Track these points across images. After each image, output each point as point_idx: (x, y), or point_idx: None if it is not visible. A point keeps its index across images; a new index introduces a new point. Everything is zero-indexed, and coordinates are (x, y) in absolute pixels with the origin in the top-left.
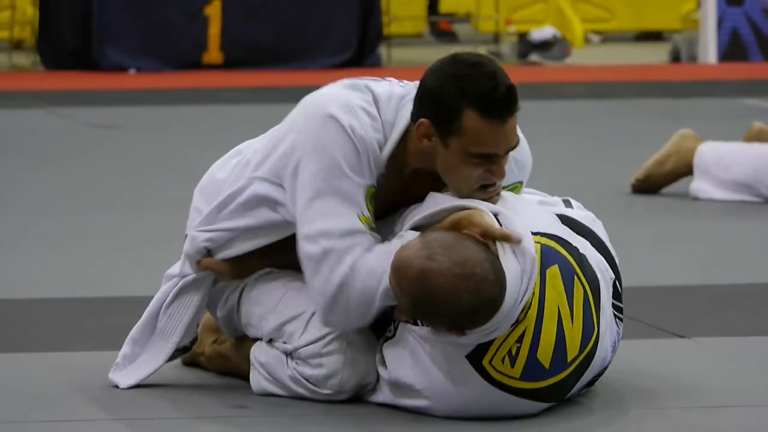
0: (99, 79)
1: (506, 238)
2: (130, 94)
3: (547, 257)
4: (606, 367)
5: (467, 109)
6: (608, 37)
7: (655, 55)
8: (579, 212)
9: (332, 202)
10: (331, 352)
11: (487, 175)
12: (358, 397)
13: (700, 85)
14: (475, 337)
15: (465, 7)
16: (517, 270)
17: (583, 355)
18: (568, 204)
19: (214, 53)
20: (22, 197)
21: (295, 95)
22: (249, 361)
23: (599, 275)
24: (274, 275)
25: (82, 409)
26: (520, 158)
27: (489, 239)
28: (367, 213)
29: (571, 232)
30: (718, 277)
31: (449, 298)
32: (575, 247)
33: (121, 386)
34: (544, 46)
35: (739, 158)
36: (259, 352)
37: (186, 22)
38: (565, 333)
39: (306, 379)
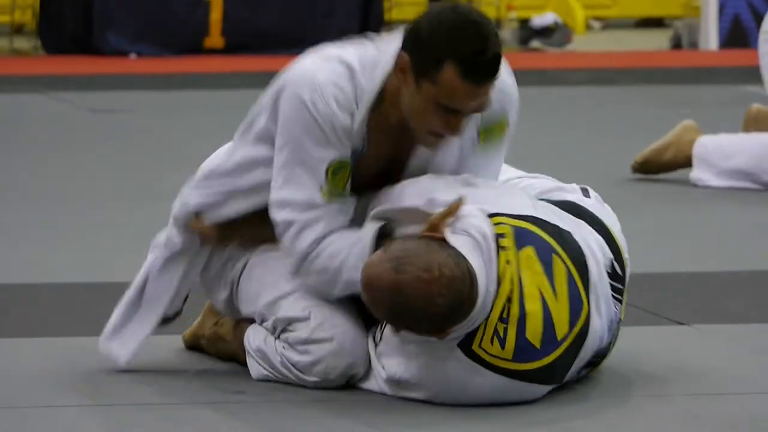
0: (100, 64)
1: (448, 214)
2: (131, 79)
3: (519, 239)
4: (607, 350)
5: (449, 64)
6: (609, 24)
7: (657, 41)
8: (590, 201)
9: (296, 172)
10: (318, 340)
11: (445, 127)
12: (356, 384)
13: (702, 71)
14: (460, 332)
15: None
16: (470, 245)
17: (574, 333)
18: (585, 193)
19: (215, 38)
20: (23, 182)
21: None
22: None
23: (586, 251)
24: (277, 254)
25: (79, 395)
26: (504, 88)
27: (438, 230)
28: (326, 186)
29: (555, 211)
30: (718, 264)
31: (424, 304)
32: (554, 224)
33: (121, 361)
34: (546, 32)
35: (740, 147)
36: (252, 338)
37: (187, 6)
38: (551, 311)
39: (293, 365)
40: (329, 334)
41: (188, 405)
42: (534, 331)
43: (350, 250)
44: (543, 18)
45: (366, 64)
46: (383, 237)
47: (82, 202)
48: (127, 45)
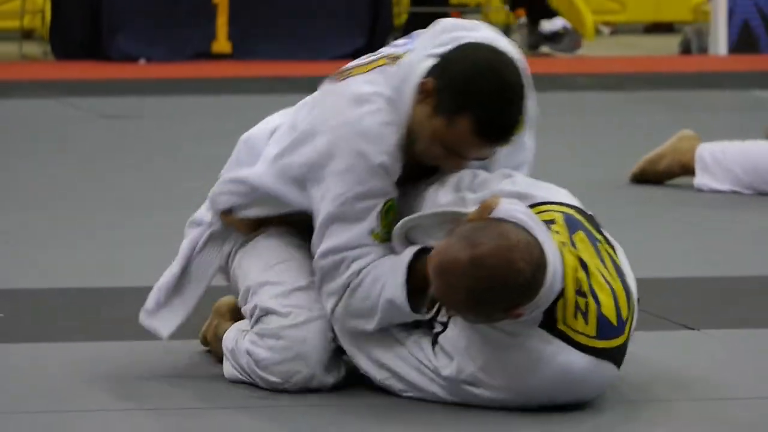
0: (109, 69)
1: (486, 209)
2: (140, 84)
3: (570, 224)
4: None
5: (467, 116)
6: (619, 29)
7: (666, 46)
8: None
9: (347, 224)
10: (287, 337)
11: (445, 164)
12: (384, 389)
13: (711, 76)
14: (532, 310)
15: None
16: (522, 223)
17: (632, 312)
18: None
19: (222, 43)
20: (33, 187)
21: (304, 85)
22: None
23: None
24: (284, 235)
25: (98, 400)
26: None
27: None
28: (378, 229)
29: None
30: (727, 268)
31: (509, 272)
32: (590, 214)
33: (164, 335)
34: (555, 37)
35: (737, 159)
36: (227, 339)
37: (194, 11)
38: (614, 289)
39: (256, 363)
40: (299, 335)
41: (212, 410)
42: (608, 308)
43: (392, 272)
44: (552, 23)
45: (395, 92)
46: (422, 255)
47: (93, 207)
48: (136, 50)
